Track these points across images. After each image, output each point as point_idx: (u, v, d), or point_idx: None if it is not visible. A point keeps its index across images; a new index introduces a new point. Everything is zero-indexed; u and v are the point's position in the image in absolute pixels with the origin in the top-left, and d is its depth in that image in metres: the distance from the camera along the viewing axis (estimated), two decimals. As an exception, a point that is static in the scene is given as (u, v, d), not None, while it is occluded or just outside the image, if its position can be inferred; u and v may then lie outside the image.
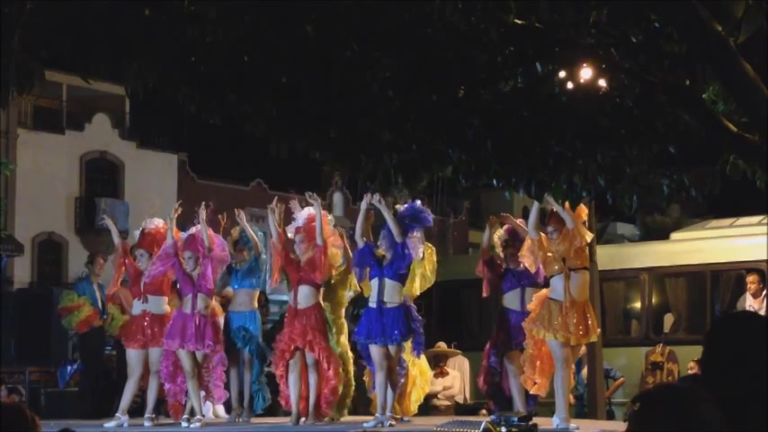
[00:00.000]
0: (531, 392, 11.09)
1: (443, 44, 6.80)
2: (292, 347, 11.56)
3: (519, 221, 11.63)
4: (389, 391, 11.22)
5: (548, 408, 11.70)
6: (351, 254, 11.82)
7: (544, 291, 10.87)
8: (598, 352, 14.36)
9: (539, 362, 10.82)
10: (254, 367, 12.28)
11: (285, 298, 13.08)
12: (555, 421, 10.61)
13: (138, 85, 7.22)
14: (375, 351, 11.23)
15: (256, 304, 12.52)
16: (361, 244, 11.45)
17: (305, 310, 11.58)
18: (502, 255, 11.53)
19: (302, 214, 11.93)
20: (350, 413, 12.38)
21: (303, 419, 11.62)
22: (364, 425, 11.17)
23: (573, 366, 11.10)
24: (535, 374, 10.84)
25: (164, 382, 12.19)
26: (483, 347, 11.83)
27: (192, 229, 12.24)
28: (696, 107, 7.04)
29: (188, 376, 11.93)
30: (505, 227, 11.61)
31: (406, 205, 11.60)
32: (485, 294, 11.69)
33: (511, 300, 11.42)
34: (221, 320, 12.31)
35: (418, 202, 11.60)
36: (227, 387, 12.41)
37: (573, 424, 10.78)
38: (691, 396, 2.80)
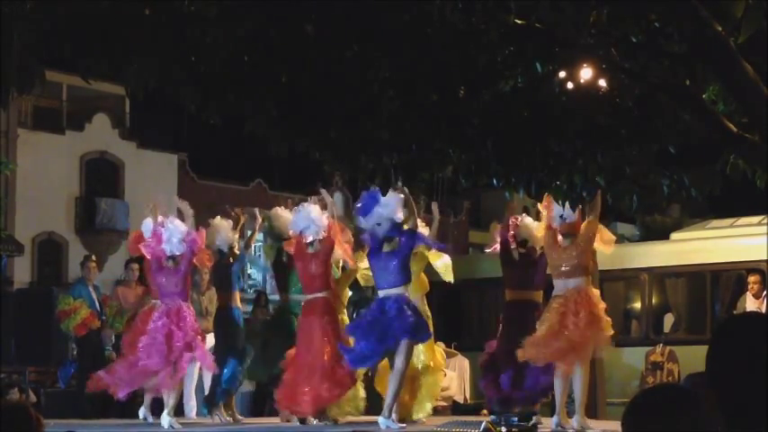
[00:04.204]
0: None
1: (443, 44, 6.80)
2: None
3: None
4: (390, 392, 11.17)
5: (547, 406, 11.70)
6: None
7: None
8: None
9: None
10: (228, 365, 12.18)
11: (277, 297, 13.13)
12: (573, 422, 10.60)
13: (138, 85, 7.22)
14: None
15: (239, 302, 12.45)
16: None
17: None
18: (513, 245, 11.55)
19: (319, 221, 11.58)
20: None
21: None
22: (363, 425, 11.16)
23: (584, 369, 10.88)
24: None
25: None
26: (483, 347, 11.82)
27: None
28: (696, 107, 7.05)
29: None
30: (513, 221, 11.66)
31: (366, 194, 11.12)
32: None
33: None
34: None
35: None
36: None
37: (571, 424, 10.75)
38: (690, 396, 2.80)
